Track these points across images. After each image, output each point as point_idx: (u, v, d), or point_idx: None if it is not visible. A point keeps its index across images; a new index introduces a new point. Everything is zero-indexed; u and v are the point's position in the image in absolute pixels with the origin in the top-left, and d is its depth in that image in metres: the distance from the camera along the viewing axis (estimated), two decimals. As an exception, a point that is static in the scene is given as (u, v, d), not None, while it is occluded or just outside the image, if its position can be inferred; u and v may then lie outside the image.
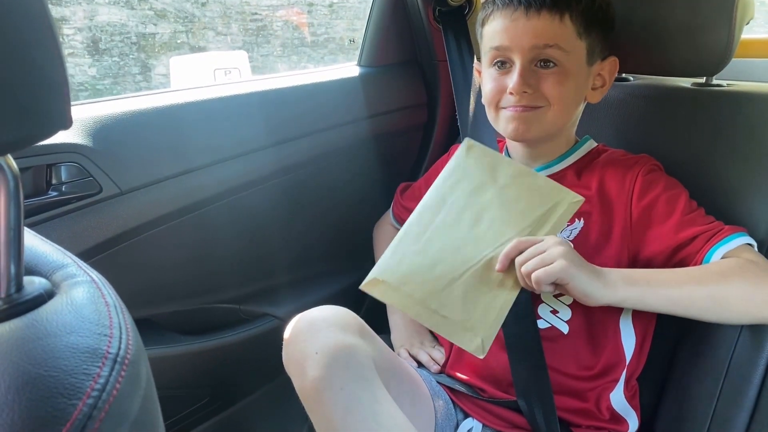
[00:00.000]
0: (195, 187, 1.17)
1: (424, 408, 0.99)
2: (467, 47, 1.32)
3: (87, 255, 1.07)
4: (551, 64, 0.98)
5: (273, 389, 1.39)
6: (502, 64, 1.01)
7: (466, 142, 1.02)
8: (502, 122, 1.03)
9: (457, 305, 0.87)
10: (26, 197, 1.00)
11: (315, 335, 0.84)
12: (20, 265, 0.46)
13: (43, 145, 0.99)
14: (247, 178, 1.24)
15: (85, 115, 1.06)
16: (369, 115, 1.40)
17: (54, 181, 1.02)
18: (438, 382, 1.06)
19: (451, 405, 1.04)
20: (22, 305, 0.45)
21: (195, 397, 1.30)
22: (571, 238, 1.00)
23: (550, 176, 1.06)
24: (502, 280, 0.89)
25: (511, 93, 0.98)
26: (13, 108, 0.42)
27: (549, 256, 0.85)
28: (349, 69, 1.42)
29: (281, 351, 0.88)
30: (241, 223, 1.26)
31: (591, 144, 1.09)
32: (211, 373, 1.30)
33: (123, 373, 0.40)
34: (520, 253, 0.87)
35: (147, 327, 1.21)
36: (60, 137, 1.01)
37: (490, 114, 1.06)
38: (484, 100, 1.07)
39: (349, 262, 1.47)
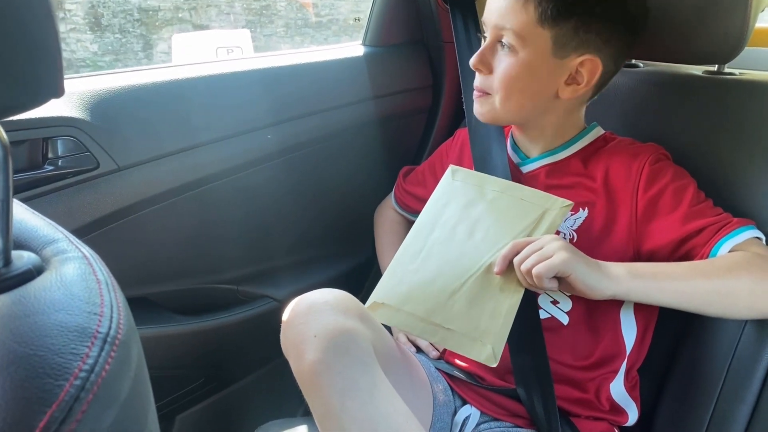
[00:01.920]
0: (195, 165, 1.16)
1: (423, 394, 0.98)
2: (475, 29, 1.29)
3: (82, 231, 1.05)
4: (506, 48, 0.96)
5: (270, 371, 1.38)
6: (485, 39, 1.01)
7: (450, 167, 1.04)
8: None
9: (462, 316, 0.86)
10: (21, 171, 0.98)
11: (314, 318, 0.82)
12: (8, 238, 0.44)
13: (39, 118, 0.97)
14: (248, 157, 1.22)
15: (84, 88, 1.03)
16: (373, 95, 1.37)
17: (50, 155, 1.00)
18: (436, 368, 1.05)
19: (450, 391, 1.03)
20: (9, 280, 0.43)
21: (190, 378, 1.29)
22: (575, 227, 0.99)
23: (554, 163, 1.05)
24: (503, 284, 0.87)
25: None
26: (2, 74, 0.40)
27: (548, 251, 0.84)
28: (354, 48, 1.39)
29: (279, 333, 0.86)
30: (241, 203, 1.25)
31: (598, 131, 1.07)
32: (208, 353, 1.29)
33: (113, 354, 0.39)
34: (518, 253, 0.86)
35: (143, 306, 1.19)
36: (57, 110, 0.99)
37: None
38: None
39: (350, 245, 1.45)
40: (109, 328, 0.40)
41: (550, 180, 1.04)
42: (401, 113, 1.45)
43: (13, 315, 0.40)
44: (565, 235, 0.99)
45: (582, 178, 1.02)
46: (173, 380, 1.26)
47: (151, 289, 1.20)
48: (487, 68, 0.98)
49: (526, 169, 1.07)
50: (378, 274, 1.46)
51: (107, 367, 0.38)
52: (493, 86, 0.98)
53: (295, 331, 0.83)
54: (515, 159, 1.10)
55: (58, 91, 0.43)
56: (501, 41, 0.96)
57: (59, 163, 1.01)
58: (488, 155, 1.11)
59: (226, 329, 1.28)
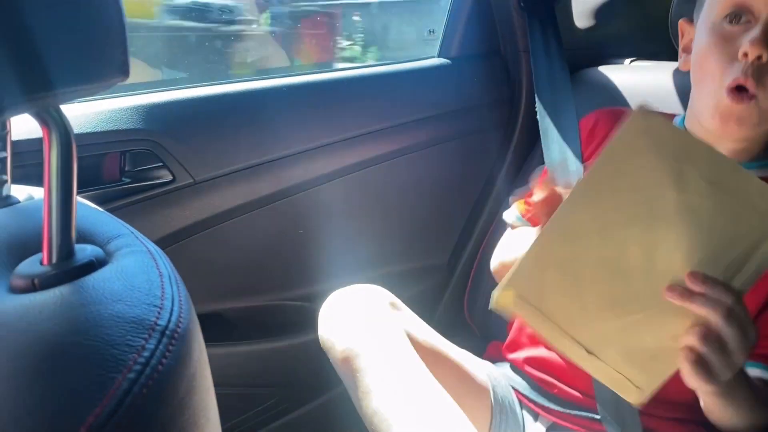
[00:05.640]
0: (270, 179, 1.14)
1: (475, 389, 0.94)
2: (554, 37, 1.23)
3: (158, 246, 1.05)
4: None
5: (344, 392, 1.34)
6: (737, 17, 0.80)
7: (640, 111, 0.62)
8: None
9: (616, 350, 0.67)
10: (99, 184, 0.99)
11: (343, 312, 0.89)
12: (71, 230, 0.43)
13: (116, 131, 0.98)
14: (323, 171, 1.19)
15: (160, 100, 1.04)
16: (448, 109, 1.33)
17: (127, 168, 1.01)
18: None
19: (514, 401, 0.97)
20: (70, 271, 0.41)
21: (262, 397, 1.26)
22: None
23: None
24: (678, 328, 0.64)
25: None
26: (63, 53, 0.38)
27: (752, 336, 0.63)
28: (429, 61, 1.36)
29: None
30: (315, 218, 1.22)
31: None
32: (280, 372, 1.26)
33: (171, 348, 0.36)
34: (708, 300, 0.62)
35: (216, 322, 1.18)
36: (134, 122, 1.00)
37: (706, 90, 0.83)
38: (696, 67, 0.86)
39: (426, 261, 1.41)
40: (169, 320, 0.38)
41: None
42: (476, 128, 1.40)
43: (71, 304, 0.38)
44: None
45: None
46: (245, 399, 1.23)
47: (224, 305, 1.18)
48: None
49: None
50: (454, 291, 1.41)
51: (164, 360, 0.35)
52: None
53: (327, 325, 0.90)
54: None
55: (125, 71, 0.41)
56: None
57: (136, 177, 1.02)
58: (565, 161, 1.04)
59: (299, 348, 1.25)
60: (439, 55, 1.37)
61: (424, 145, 1.33)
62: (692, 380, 0.63)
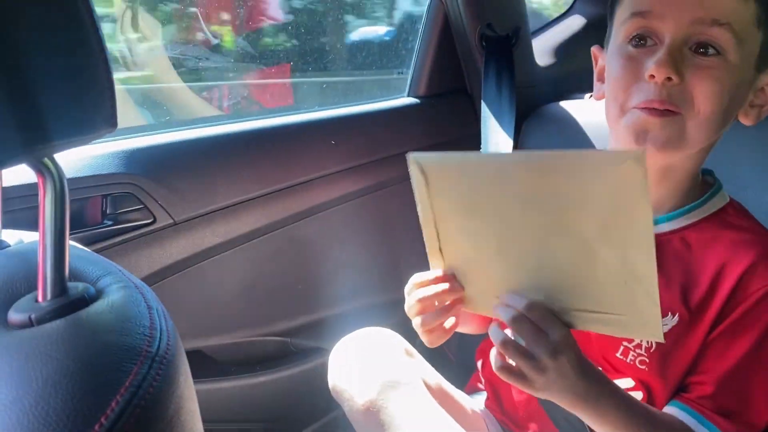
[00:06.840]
0: (248, 217, 1.19)
1: (479, 426, 0.95)
2: (508, 78, 1.28)
3: (140, 285, 1.08)
4: (711, 50, 0.72)
5: (326, 425, 1.36)
6: (642, 40, 0.76)
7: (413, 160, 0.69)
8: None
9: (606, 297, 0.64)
10: (82, 227, 1.02)
11: (360, 361, 0.86)
12: (64, 269, 0.46)
13: (98, 175, 1.01)
14: (297, 209, 1.24)
15: (140, 145, 1.08)
16: (419, 146, 1.39)
17: (109, 211, 1.04)
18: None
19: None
20: (65, 307, 0.45)
21: (246, 432, 1.28)
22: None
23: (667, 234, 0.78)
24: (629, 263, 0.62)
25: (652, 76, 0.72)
26: (58, 108, 0.43)
27: (541, 359, 0.65)
28: (398, 100, 1.42)
29: None
30: (292, 254, 1.26)
31: (724, 197, 0.81)
32: (262, 407, 1.28)
33: (160, 371, 0.40)
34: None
35: (197, 359, 1.20)
36: (114, 167, 1.03)
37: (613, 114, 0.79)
38: (606, 94, 0.81)
39: (402, 293, 1.44)
40: (158, 348, 0.41)
41: None
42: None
43: (68, 336, 0.41)
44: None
45: (687, 264, 0.76)
46: (228, 435, 1.25)
47: (205, 342, 1.21)
48: (679, 76, 0.71)
49: None
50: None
51: (154, 383, 0.39)
52: (687, 100, 0.72)
53: (343, 375, 0.86)
54: None
55: (113, 123, 0.45)
56: (699, 42, 0.72)
57: (117, 219, 1.05)
58: None
59: (280, 382, 1.28)
60: (408, 94, 1.43)
61: (397, 180, 1.38)
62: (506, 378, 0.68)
